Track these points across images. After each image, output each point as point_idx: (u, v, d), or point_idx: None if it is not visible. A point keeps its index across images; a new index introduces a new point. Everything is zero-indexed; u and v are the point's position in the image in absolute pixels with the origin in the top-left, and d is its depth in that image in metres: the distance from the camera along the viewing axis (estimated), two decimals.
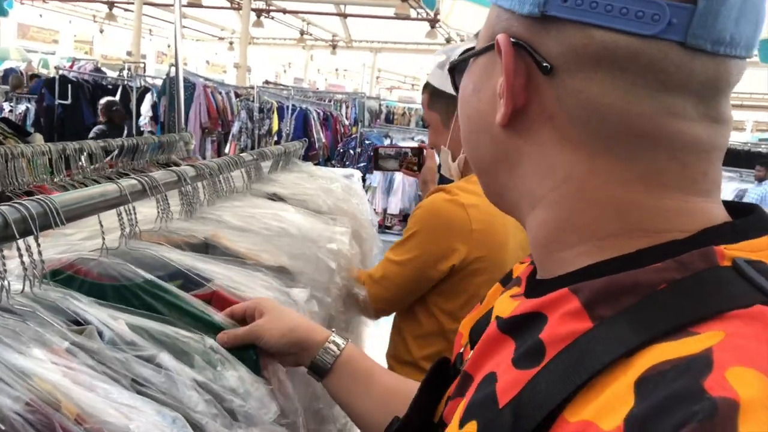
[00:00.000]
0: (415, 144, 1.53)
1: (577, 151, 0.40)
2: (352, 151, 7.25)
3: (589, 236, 0.41)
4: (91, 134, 5.51)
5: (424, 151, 1.61)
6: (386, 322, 1.50)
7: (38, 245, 0.64)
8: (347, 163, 7.09)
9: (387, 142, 7.29)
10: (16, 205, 0.61)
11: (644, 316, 0.35)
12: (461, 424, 0.41)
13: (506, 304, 0.47)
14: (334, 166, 6.74)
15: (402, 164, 1.64)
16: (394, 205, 7.14)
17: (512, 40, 0.41)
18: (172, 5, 3.04)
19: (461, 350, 0.57)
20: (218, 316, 0.75)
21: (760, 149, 9.80)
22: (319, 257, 1.08)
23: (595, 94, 0.39)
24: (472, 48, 0.48)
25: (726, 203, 0.42)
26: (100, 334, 0.61)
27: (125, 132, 5.44)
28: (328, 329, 0.80)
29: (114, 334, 0.61)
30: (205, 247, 0.93)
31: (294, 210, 1.23)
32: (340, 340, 0.77)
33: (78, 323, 0.63)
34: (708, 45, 0.37)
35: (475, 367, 0.46)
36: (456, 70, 0.53)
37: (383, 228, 6.77)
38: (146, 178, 0.90)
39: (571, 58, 0.39)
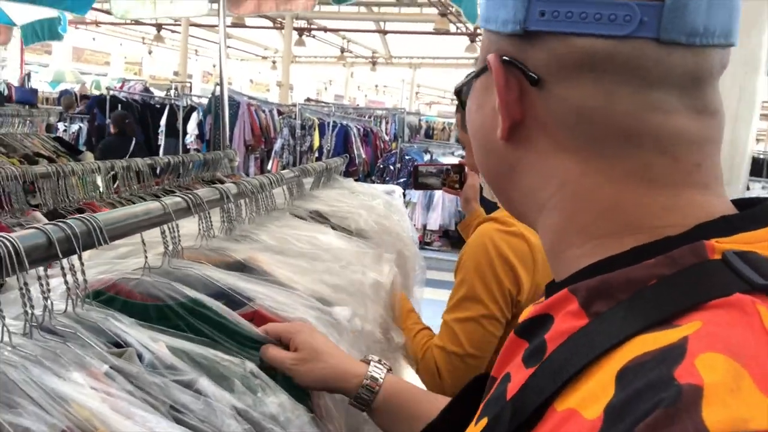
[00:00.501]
0: (455, 161, 1.49)
1: (569, 156, 0.42)
2: (392, 167, 7.24)
3: (589, 237, 0.42)
4: (99, 146, 5.65)
5: (466, 168, 1.57)
6: None
7: (81, 264, 0.64)
8: (387, 178, 7.09)
9: (427, 157, 7.26)
10: (60, 224, 0.60)
11: (632, 310, 0.36)
12: (477, 421, 0.44)
13: (528, 310, 0.49)
14: (373, 182, 6.75)
15: (444, 182, 1.60)
16: (434, 221, 7.07)
17: (504, 58, 0.43)
18: (218, 26, 3.10)
19: None
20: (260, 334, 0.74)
21: None
22: (359, 289, 1.04)
23: (580, 98, 0.41)
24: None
25: (740, 200, 0.43)
26: (140, 356, 0.60)
27: (132, 144, 5.52)
28: (366, 359, 0.76)
29: (154, 357, 0.59)
30: (242, 268, 0.92)
31: (333, 234, 1.20)
32: (379, 374, 0.75)
33: (118, 345, 0.61)
34: (683, 37, 0.39)
35: (497, 370, 0.48)
36: (461, 93, 0.54)
37: (422, 244, 6.71)
38: (190, 196, 0.89)
39: (555, 67, 0.41)
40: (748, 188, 7.09)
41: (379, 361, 0.77)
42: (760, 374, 0.30)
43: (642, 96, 0.40)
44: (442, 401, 0.73)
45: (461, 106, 0.54)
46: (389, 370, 0.77)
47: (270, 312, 0.78)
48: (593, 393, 0.33)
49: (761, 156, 9.70)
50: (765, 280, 0.34)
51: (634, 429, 0.29)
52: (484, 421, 0.42)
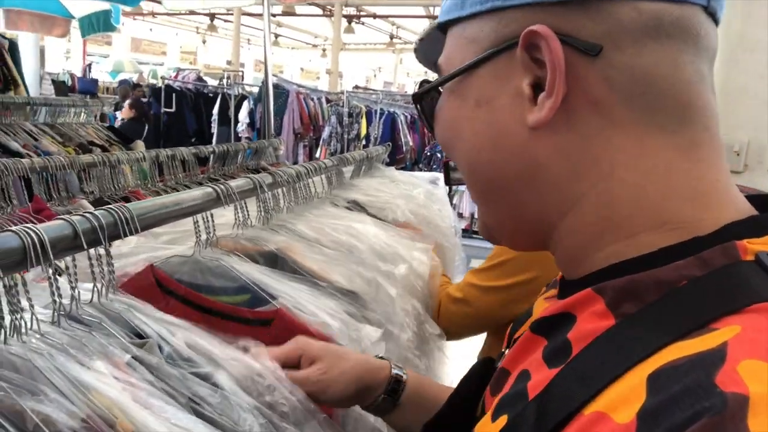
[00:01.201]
0: None
1: (625, 134, 0.39)
2: (439, 154, 7.18)
3: (624, 234, 0.40)
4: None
5: None
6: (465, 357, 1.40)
7: (108, 255, 0.65)
8: (434, 166, 7.03)
9: None
10: (87, 214, 0.61)
11: (665, 315, 0.35)
12: (494, 418, 0.42)
13: (541, 306, 0.48)
14: (421, 170, 6.71)
15: None
16: (465, 210, 6.98)
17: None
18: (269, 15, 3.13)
19: (504, 350, 0.56)
20: None
21: None
22: (392, 283, 1.02)
23: (649, 65, 0.38)
24: (428, 81, 0.49)
25: (755, 195, 0.42)
26: (160, 348, 0.60)
27: (145, 130, 5.61)
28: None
29: (172, 350, 0.60)
30: (275, 258, 0.92)
31: (371, 222, 1.19)
32: (401, 373, 0.72)
33: (139, 336, 0.62)
34: (719, 11, 0.39)
35: (512, 364, 0.47)
36: (426, 97, 0.50)
37: (470, 233, 6.64)
38: (222, 187, 0.90)
39: (618, 34, 0.38)
40: None
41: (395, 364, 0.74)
42: None
43: (697, 65, 0.39)
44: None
45: (424, 113, 0.50)
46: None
47: (292, 314, 0.78)
48: (623, 395, 0.32)
49: None
50: None
51: None
52: (503, 419, 0.41)
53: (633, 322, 0.36)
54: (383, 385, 0.70)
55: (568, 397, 0.35)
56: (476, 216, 7.07)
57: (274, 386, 0.60)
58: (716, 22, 0.41)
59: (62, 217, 0.59)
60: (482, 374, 0.55)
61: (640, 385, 0.31)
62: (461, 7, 0.44)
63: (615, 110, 0.39)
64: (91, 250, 0.63)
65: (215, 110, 7.72)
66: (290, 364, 0.67)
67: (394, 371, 0.71)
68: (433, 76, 0.51)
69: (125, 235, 0.64)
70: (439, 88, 0.48)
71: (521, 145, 0.42)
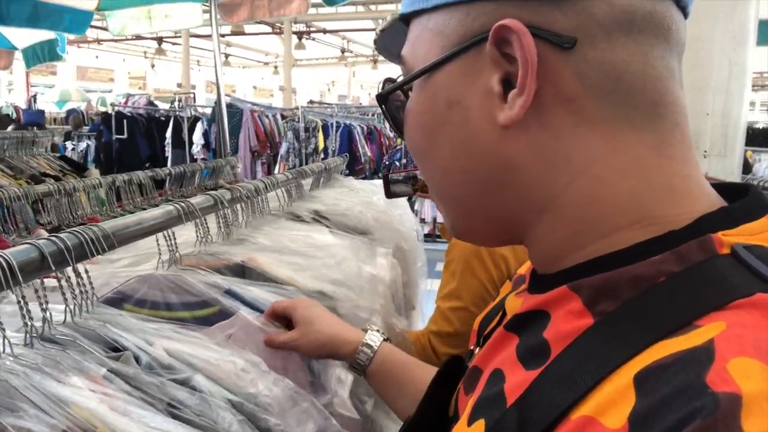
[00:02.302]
0: None
1: (597, 131, 0.38)
2: (397, 163, 7.25)
3: (601, 233, 0.39)
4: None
5: None
6: None
7: (77, 276, 0.67)
8: (409, 168, 7.10)
9: None
10: (52, 238, 0.63)
11: (645, 312, 0.34)
12: (470, 421, 0.41)
13: (513, 302, 0.46)
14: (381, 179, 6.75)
15: (410, 188, 1.55)
16: (427, 214, 7.07)
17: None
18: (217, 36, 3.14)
19: (472, 347, 0.56)
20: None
21: None
22: (357, 282, 1.07)
23: (620, 61, 0.37)
24: (392, 80, 0.48)
25: (720, 184, 0.41)
26: (137, 358, 0.62)
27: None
28: (365, 327, 0.82)
29: (150, 359, 0.62)
30: (242, 270, 0.94)
31: (328, 232, 1.23)
32: (374, 341, 0.79)
33: (116, 350, 0.64)
34: (689, 5, 0.39)
35: (483, 362, 0.46)
36: (390, 97, 0.48)
37: (433, 237, 6.72)
38: (182, 204, 0.92)
39: (591, 29, 0.37)
40: (749, 161, 7.03)
41: (378, 331, 0.81)
42: None
43: (666, 61, 0.38)
44: (432, 370, 0.76)
45: (391, 115, 0.48)
46: (387, 339, 0.81)
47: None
48: (610, 398, 0.31)
49: None
50: None
51: None
52: (480, 423, 0.39)
53: (612, 320, 0.35)
54: (348, 358, 0.78)
55: (552, 401, 0.34)
56: (438, 220, 7.17)
57: (258, 379, 0.62)
58: (685, 15, 0.40)
59: (27, 241, 0.61)
60: (451, 373, 0.55)
61: (627, 387, 0.30)
62: None
63: (587, 107, 0.38)
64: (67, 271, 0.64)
65: (168, 133, 7.62)
66: (288, 317, 0.83)
67: (361, 348, 0.78)
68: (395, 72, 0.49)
69: (92, 255, 0.66)
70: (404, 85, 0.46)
71: (493, 146, 0.40)
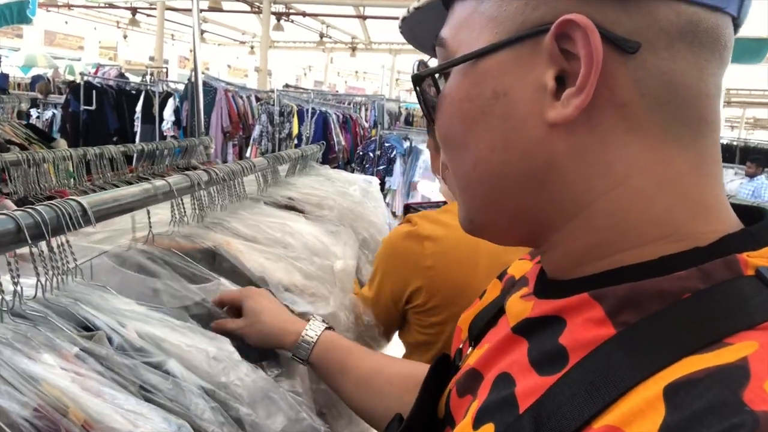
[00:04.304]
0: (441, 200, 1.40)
1: (645, 141, 0.37)
2: (371, 154, 7.24)
3: (630, 244, 0.38)
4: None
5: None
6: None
7: (51, 251, 0.65)
8: (366, 165, 7.09)
9: (406, 144, 7.27)
10: (29, 209, 0.61)
11: (672, 327, 0.34)
12: (476, 425, 0.40)
13: (519, 306, 0.45)
14: (353, 170, 6.75)
15: None
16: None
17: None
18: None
19: (460, 345, 0.56)
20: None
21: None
22: (330, 277, 1.07)
23: (678, 73, 0.36)
24: (425, 63, 0.46)
25: (733, 205, 0.41)
26: (110, 339, 0.61)
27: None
28: (307, 317, 0.85)
29: (123, 340, 0.61)
30: (213, 255, 0.94)
31: (304, 221, 1.22)
32: (315, 331, 0.81)
33: (88, 329, 0.63)
34: (742, 24, 0.38)
35: (484, 365, 0.45)
36: (427, 80, 0.45)
37: None
38: (159, 183, 0.91)
39: (654, 35, 0.36)
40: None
41: (322, 321, 0.85)
42: None
43: (716, 78, 0.38)
44: (375, 356, 0.80)
45: (425, 99, 0.46)
46: (328, 328, 0.84)
47: None
48: (637, 409, 0.31)
49: (734, 143, 9.91)
50: None
51: None
52: (489, 427, 0.39)
53: (637, 332, 0.35)
54: (290, 348, 0.82)
55: (574, 410, 0.33)
56: None
57: (230, 369, 0.62)
58: (735, 32, 0.40)
59: (4, 212, 0.59)
60: (441, 373, 0.55)
61: (656, 399, 0.30)
62: None
63: (638, 115, 0.37)
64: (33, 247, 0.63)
65: (138, 108, 7.44)
66: (237, 307, 0.85)
67: (301, 339, 0.81)
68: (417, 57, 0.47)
69: (68, 230, 0.64)
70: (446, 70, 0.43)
71: (536, 144, 0.39)
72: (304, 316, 0.89)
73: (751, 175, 6.80)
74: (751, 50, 4.02)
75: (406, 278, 1.18)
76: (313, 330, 0.82)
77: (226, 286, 0.84)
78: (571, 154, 0.38)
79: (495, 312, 0.51)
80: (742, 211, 0.41)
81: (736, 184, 6.81)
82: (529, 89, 0.39)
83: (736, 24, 0.38)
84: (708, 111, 0.38)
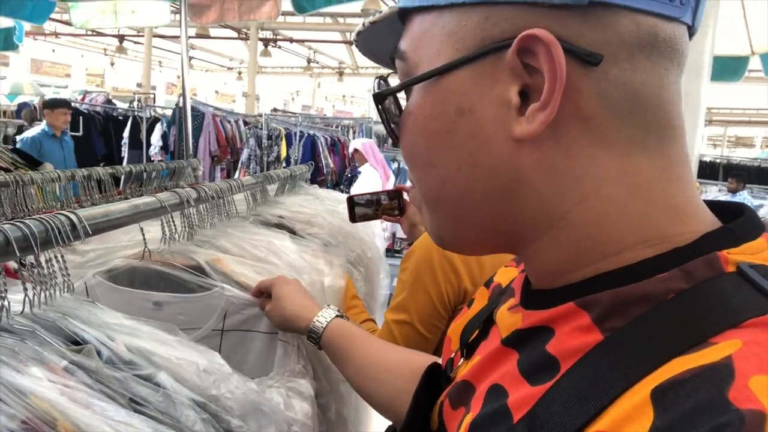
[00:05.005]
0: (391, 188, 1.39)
1: (612, 152, 0.37)
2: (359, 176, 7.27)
3: (608, 252, 0.38)
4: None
5: (404, 193, 1.51)
6: None
7: (39, 266, 0.65)
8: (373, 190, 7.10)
9: (395, 165, 7.30)
10: (18, 223, 0.61)
11: (657, 329, 0.34)
12: None
13: (509, 318, 0.45)
14: (342, 191, 6.75)
15: (377, 211, 1.50)
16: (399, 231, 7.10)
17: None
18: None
19: (452, 356, 0.56)
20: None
21: None
22: (316, 294, 1.08)
23: (640, 82, 0.37)
24: (385, 78, 0.45)
25: (712, 202, 0.42)
26: (99, 353, 0.61)
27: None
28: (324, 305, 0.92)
29: (112, 354, 0.61)
30: (203, 272, 0.94)
31: (289, 239, 1.23)
32: (326, 318, 0.89)
33: (77, 343, 0.62)
34: (696, 30, 0.39)
35: (476, 378, 0.45)
36: (389, 97, 0.45)
37: (392, 252, 6.73)
38: (151, 199, 0.91)
39: (616, 47, 0.36)
40: (702, 191, 7.37)
41: (336, 309, 0.91)
42: None
43: (677, 85, 0.38)
44: (376, 344, 0.85)
45: (387, 117, 0.45)
46: (340, 316, 0.90)
47: None
48: (627, 414, 0.31)
49: (717, 160, 10.06)
50: None
51: None
52: None
53: (624, 337, 0.35)
54: (304, 332, 0.90)
55: (566, 418, 0.33)
56: (398, 235, 7.18)
57: (220, 381, 0.62)
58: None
59: None
60: (432, 382, 0.55)
61: (645, 403, 0.30)
62: None
63: (603, 126, 0.37)
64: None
65: (126, 134, 7.44)
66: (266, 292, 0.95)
67: (313, 323, 0.88)
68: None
69: (57, 244, 0.64)
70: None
71: (503, 160, 0.39)
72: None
73: (733, 191, 6.93)
74: (730, 69, 4.12)
75: (460, 284, 1.20)
76: (324, 317, 0.89)
77: (231, 291, 0.89)
78: (538, 168, 0.38)
79: (485, 320, 0.51)
80: (723, 208, 0.41)
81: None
82: (493, 106, 0.38)
83: (691, 33, 0.39)
84: (672, 117, 0.38)
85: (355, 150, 5.47)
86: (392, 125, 0.46)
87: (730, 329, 0.32)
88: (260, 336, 0.93)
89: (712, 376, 0.29)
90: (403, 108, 0.45)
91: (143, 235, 0.84)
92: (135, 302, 0.77)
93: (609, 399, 0.32)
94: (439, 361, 0.59)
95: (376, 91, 0.45)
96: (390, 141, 10.05)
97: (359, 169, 5.16)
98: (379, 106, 0.45)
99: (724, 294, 0.34)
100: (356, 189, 4.46)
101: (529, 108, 0.37)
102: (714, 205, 0.41)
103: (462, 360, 0.52)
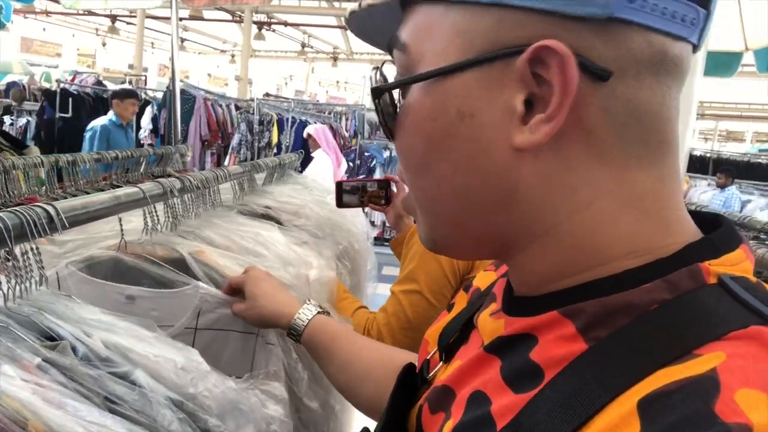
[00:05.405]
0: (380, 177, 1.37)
1: (609, 166, 0.38)
2: (351, 163, 7.25)
3: (596, 262, 0.38)
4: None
5: (392, 183, 1.50)
6: None
7: (12, 259, 0.63)
8: (345, 175, 7.09)
9: (386, 154, 7.29)
10: None
11: (641, 340, 0.34)
12: None
13: (491, 324, 0.45)
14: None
15: (363, 199, 1.50)
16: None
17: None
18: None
19: (428, 357, 0.56)
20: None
21: (759, 160, 9.85)
22: (304, 285, 1.07)
23: (644, 100, 0.37)
24: (379, 70, 0.44)
25: (691, 212, 0.42)
26: (74, 349, 0.60)
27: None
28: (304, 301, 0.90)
29: (88, 350, 0.60)
30: (184, 265, 0.93)
31: (277, 231, 1.22)
32: (307, 314, 0.86)
33: (53, 339, 0.61)
34: (699, 49, 0.39)
35: (457, 383, 0.45)
36: (387, 92, 0.43)
37: (382, 240, 6.74)
38: (133, 189, 0.89)
39: (626, 63, 0.36)
40: (690, 184, 7.41)
41: (315, 305, 0.89)
42: None
43: (677, 102, 0.39)
44: (357, 342, 0.84)
45: (383, 113, 0.43)
46: (322, 312, 0.88)
47: None
48: (612, 424, 0.31)
49: (708, 155, 10.12)
50: None
51: None
52: None
53: (608, 347, 0.35)
54: (285, 328, 0.88)
55: (551, 426, 0.34)
56: (387, 224, 7.17)
57: (198, 379, 0.61)
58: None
59: None
60: (408, 384, 0.54)
61: (631, 414, 0.30)
62: None
63: (604, 141, 0.37)
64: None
65: None
66: (238, 289, 0.92)
67: (294, 321, 0.86)
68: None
69: (34, 237, 0.63)
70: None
71: (501, 168, 0.39)
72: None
73: (721, 186, 6.96)
74: (723, 64, 4.13)
75: None
76: (305, 314, 0.87)
77: (205, 289, 0.86)
78: (536, 178, 0.38)
79: (464, 324, 0.51)
80: (702, 218, 0.42)
81: (708, 195, 6.97)
82: (496, 112, 0.38)
83: (694, 51, 0.39)
84: (668, 133, 0.39)
85: (309, 135, 5.64)
86: (387, 121, 0.44)
87: (714, 341, 0.32)
88: (235, 335, 0.91)
89: (697, 388, 0.30)
90: (398, 103, 0.43)
91: (121, 226, 0.83)
92: (108, 295, 0.76)
93: (594, 409, 0.32)
94: (416, 361, 0.59)
95: (374, 84, 0.43)
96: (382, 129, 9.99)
97: (312, 154, 5.33)
98: (376, 101, 0.43)
99: (707, 306, 0.34)
100: (309, 173, 4.58)
101: (534, 118, 0.37)
102: (693, 215, 0.42)
103: (441, 363, 0.52)
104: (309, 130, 5.82)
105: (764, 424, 0.28)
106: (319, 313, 0.88)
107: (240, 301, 0.92)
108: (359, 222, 2.03)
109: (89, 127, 5.28)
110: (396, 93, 0.43)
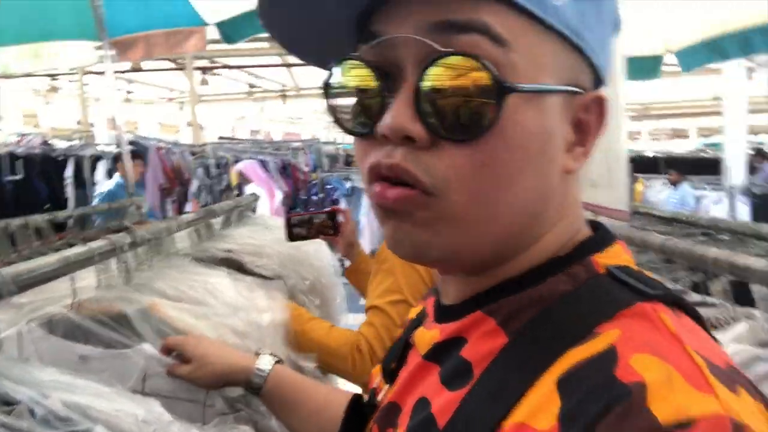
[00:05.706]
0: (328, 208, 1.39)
1: (575, 181, 0.46)
2: (314, 197, 7.25)
3: (519, 264, 0.44)
4: None
5: (338, 214, 1.55)
6: None
7: None
8: (311, 209, 7.08)
9: (348, 185, 7.31)
10: None
11: (551, 327, 0.39)
12: None
13: (426, 335, 0.48)
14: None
15: (311, 231, 1.52)
16: (364, 247, 7.08)
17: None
18: (116, 73, 3.04)
19: (374, 386, 0.58)
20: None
21: (705, 155, 10.16)
22: (258, 331, 1.07)
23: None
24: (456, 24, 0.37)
25: None
26: (33, 412, 0.60)
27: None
28: (257, 352, 0.88)
29: (47, 412, 0.59)
30: (141, 319, 0.92)
31: (225, 275, 1.22)
32: (266, 366, 0.85)
33: (10, 404, 0.61)
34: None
35: (401, 397, 0.48)
36: (482, 89, 0.37)
37: None
38: (82, 249, 0.89)
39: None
40: (646, 186, 7.60)
41: (270, 354, 0.88)
42: (683, 370, 0.33)
43: None
44: (321, 393, 0.82)
45: (469, 111, 0.38)
46: (278, 361, 0.87)
47: None
48: (538, 404, 0.36)
49: (658, 155, 10.43)
50: (654, 290, 0.39)
51: (596, 427, 0.32)
52: None
53: (525, 337, 0.40)
54: (242, 383, 0.86)
55: (485, 416, 0.37)
56: (339, 254, 7.11)
57: (160, 430, 0.61)
58: None
59: None
60: (358, 412, 0.57)
61: (551, 392, 0.35)
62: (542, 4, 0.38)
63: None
64: None
65: (68, 173, 7.20)
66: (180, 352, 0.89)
67: (254, 374, 0.84)
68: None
69: None
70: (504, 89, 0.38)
71: (554, 186, 0.43)
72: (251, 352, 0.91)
73: (674, 183, 7.17)
74: (647, 68, 4.28)
75: None
76: (263, 366, 0.86)
77: (146, 351, 0.83)
78: (560, 197, 0.45)
79: (402, 348, 0.54)
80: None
81: (664, 194, 7.18)
82: (561, 136, 0.43)
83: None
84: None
85: (239, 172, 5.78)
86: (471, 119, 0.38)
87: (609, 321, 0.38)
88: (183, 404, 0.88)
89: (600, 361, 0.35)
90: (500, 107, 0.38)
91: (73, 286, 0.83)
92: (64, 354, 0.75)
93: (519, 393, 0.37)
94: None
95: (489, 68, 0.37)
96: (341, 161, 9.93)
97: (245, 189, 5.47)
98: (448, 86, 0.38)
99: (600, 292, 0.40)
100: None
101: (576, 149, 0.44)
102: None
103: (386, 387, 0.54)
104: (239, 167, 5.95)
105: (655, 380, 0.33)
106: (276, 362, 0.87)
107: (179, 363, 0.89)
108: (324, 256, 2.03)
109: (97, 192, 5.77)
110: (483, 91, 0.38)
